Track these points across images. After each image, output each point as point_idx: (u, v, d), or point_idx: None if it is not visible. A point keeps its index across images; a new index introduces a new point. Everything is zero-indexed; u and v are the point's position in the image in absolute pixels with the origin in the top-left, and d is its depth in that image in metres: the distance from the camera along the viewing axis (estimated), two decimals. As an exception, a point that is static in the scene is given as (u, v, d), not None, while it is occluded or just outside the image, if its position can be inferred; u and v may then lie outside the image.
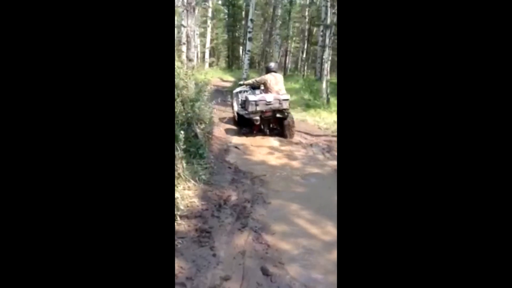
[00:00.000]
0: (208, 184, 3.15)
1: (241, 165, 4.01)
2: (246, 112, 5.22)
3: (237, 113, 5.71)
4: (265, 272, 1.97)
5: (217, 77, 13.69)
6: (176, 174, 2.83)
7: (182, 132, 3.31)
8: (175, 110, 3.72)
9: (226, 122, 6.10)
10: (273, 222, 2.63)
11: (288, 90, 10.93)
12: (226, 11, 23.28)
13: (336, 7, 8.61)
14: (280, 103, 5.05)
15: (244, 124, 5.56)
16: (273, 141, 5.27)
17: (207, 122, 4.45)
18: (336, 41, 9.45)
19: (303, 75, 17.09)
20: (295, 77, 15.70)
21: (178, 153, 3.12)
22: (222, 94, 7.94)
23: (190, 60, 4.43)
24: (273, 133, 5.47)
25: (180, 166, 2.98)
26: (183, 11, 5.14)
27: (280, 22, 17.20)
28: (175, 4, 5.74)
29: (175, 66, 4.03)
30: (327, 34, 9.00)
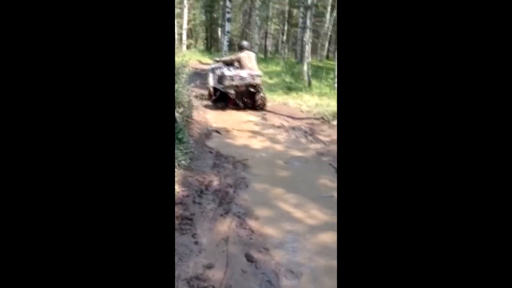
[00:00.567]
0: (189, 170, 3.04)
1: (222, 149, 3.90)
2: (223, 86, 5.70)
3: (214, 88, 6.12)
4: (249, 259, 1.91)
5: (195, 59, 13.31)
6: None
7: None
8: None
9: (202, 99, 6.32)
10: (256, 207, 2.57)
11: (269, 73, 10.78)
12: (203, -9, 22.51)
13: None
14: (253, 79, 5.64)
15: (220, 99, 5.98)
16: (255, 126, 5.18)
17: (186, 106, 4.29)
18: (316, 23, 9.31)
19: (284, 58, 16.92)
20: (275, 60, 15.52)
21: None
22: (201, 77, 7.73)
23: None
24: (246, 106, 5.91)
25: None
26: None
27: (260, 3, 16.82)
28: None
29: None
30: (308, 15, 8.84)
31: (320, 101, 6.67)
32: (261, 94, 5.86)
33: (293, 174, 3.37)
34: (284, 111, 6.19)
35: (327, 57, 18.17)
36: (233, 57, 6.15)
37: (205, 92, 6.55)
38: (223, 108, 5.85)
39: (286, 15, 19.11)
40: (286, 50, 19.23)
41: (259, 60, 14.70)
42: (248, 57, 5.89)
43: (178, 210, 2.27)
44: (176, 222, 2.14)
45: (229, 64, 6.04)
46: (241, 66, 5.83)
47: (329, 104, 6.29)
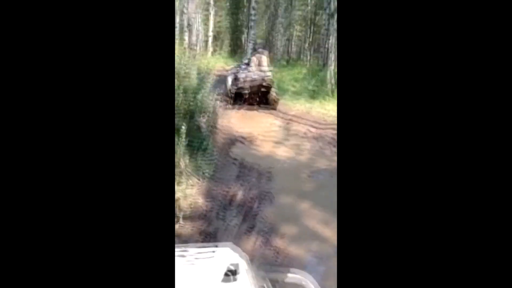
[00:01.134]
0: (213, 180, 2.99)
1: (247, 158, 3.84)
2: (236, 87, 6.09)
3: (230, 90, 6.37)
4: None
5: (220, 64, 13.40)
6: (178, 171, 2.66)
7: (184, 125, 3.12)
8: (177, 100, 3.53)
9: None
10: (282, 223, 2.48)
11: (292, 80, 10.65)
12: (228, -3, 22.69)
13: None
14: (263, 79, 6.04)
15: (237, 99, 6.27)
16: (279, 134, 5.10)
17: (211, 114, 4.26)
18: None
19: (307, 64, 16.76)
20: (298, 66, 15.39)
21: (180, 148, 2.95)
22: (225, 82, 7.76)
23: (191, 47, 4.20)
24: (259, 104, 6.26)
25: (183, 162, 2.81)
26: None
27: (283, 9, 16.78)
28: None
29: (176, 54, 3.81)
30: (332, 21, 8.70)
31: (345, 110, 6.47)
32: (273, 93, 6.24)
33: (318, 187, 3.26)
34: (308, 119, 6.07)
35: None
36: (246, 60, 6.74)
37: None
38: (240, 107, 6.09)
39: (309, 21, 18.97)
40: (309, 57, 19.10)
41: (282, 66, 14.65)
42: (261, 58, 6.35)
43: (201, 225, 2.22)
44: (199, 238, 2.08)
45: (243, 67, 6.49)
46: (253, 67, 6.23)
47: (355, 113, 6.09)
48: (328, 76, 8.62)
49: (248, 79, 6.06)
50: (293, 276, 1.47)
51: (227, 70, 7.52)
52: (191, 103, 3.66)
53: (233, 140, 4.46)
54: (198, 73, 4.42)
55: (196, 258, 1.23)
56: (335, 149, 4.45)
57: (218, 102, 4.74)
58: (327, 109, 6.88)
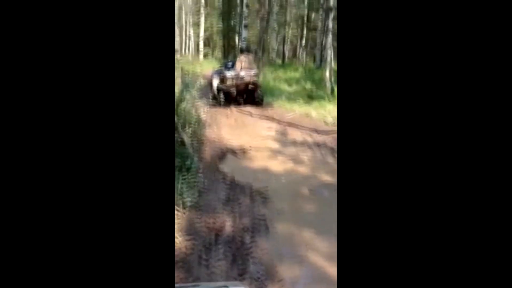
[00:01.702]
0: (196, 209, 2.51)
1: (238, 174, 3.36)
2: (225, 86, 6.49)
3: (217, 89, 6.74)
4: None
5: (211, 68, 12.95)
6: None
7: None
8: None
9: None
10: (280, 261, 2.00)
11: (288, 80, 10.24)
12: (219, -2, 22.36)
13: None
14: (250, 78, 6.49)
15: (223, 98, 6.62)
16: (274, 142, 4.62)
17: (197, 125, 3.79)
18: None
19: (303, 63, 16.31)
20: (293, 65, 14.93)
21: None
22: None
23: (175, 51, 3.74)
24: (246, 102, 6.67)
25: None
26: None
27: (277, 8, 16.34)
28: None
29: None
30: (330, 17, 8.24)
31: (346, 111, 6.03)
32: (259, 91, 6.69)
33: (322, 207, 2.78)
34: (306, 123, 5.61)
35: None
36: (234, 61, 7.12)
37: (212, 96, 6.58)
38: (226, 105, 6.38)
39: (305, 19, 18.53)
40: (305, 55, 18.64)
41: (277, 66, 14.21)
42: (247, 59, 6.76)
43: (178, 274, 1.74)
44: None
45: (229, 67, 6.80)
46: (240, 68, 6.59)
47: (357, 114, 5.65)
48: (327, 75, 8.17)
49: (236, 78, 6.46)
50: None
51: (211, 73, 7.64)
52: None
53: (223, 154, 3.98)
54: (183, 80, 3.96)
55: None
56: (338, 157, 3.97)
57: (205, 109, 4.27)
58: (327, 111, 6.40)
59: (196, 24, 19.66)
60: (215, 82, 6.82)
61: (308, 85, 8.89)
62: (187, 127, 3.45)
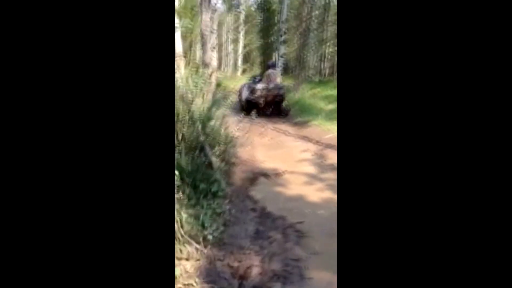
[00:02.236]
0: (219, 245, 2.16)
1: (270, 203, 2.99)
2: (254, 97, 7.13)
3: (246, 100, 7.37)
4: None
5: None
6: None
7: (187, 162, 2.36)
8: (181, 131, 2.80)
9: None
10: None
11: (325, 98, 9.83)
12: (259, 16, 22.63)
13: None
14: (279, 90, 7.19)
15: (251, 108, 6.79)
16: (311, 166, 4.21)
17: (228, 144, 3.49)
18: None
19: (342, 81, 15.73)
20: (332, 83, 14.45)
21: (178, 196, 2.17)
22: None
23: (206, 65, 3.51)
24: (272, 113, 7.27)
25: (178, 218, 2.01)
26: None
27: (316, 25, 16.06)
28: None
29: (182, 75, 3.11)
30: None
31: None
32: (285, 103, 7.49)
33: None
34: (347, 146, 5.13)
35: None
36: (262, 74, 8.01)
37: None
38: (254, 115, 6.61)
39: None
40: (344, 73, 18.04)
41: (314, 84, 13.81)
42: (274, 74, 7.60)
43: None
44: None
45: (258, 81, 7.62)
46: (268, 81, 7.37)
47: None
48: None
49: (265, 90, 7.11)
50: None
51: (240, 86, 8.26)
52: (200, 133, 2.91)
53: (254, 177, 3.63)
54: (214, 96, 3.71)
55: None
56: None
57: (237, 126, 3.98)
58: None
59: (236, 41, 19.92)
60: (245, 94, 7.48)
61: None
62: (216, 147, 3.16)
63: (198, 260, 1.93)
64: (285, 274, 1.97)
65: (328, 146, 5.10)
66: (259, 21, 22.69)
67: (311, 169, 4.06)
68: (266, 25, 21.56)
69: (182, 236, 1.96)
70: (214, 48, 12.34)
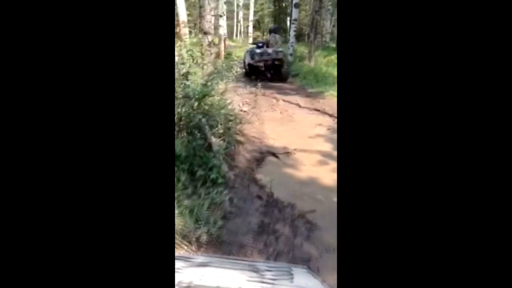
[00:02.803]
0: (216, 244, 1.87)
1: (278, 188, 2.67)
2: (254, 61, 7.31)
3: (248, 64, 7.57)
4: None
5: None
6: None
7: (181, 145, 2.04)
8: (177, 109, 2.46)
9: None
10: None
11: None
12: (271, -22, 21.40)
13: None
14: (277, 54, 7.27)
15: (253, 73, 7.44)
16: (326, 142, 3.83)
17: (230, 122, 3.13)
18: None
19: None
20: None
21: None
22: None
23: (205, 33, 3.08)
24: (273, 77, 7.48)
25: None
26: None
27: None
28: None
29: (181, 43, 2.72)
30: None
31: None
32: (285, 67, 7.50)
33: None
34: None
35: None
36: (264, 39, 8.34)
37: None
38: (256, 79, 6.78)
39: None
40: (363, 37, 17.00)
41: (331, 50, 13.02)
42: (275, 39, 7.84)
43: None
44: None
45: (260, 46, 7.69)
46: (268, 46, 7.63)
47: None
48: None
49: (263, 54, 7.28)
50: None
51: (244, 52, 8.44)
52: (196, 109, 2.56)
53: (261, 157, 3.29)
54: (216, 67, 3.31)
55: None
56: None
57: (243, 102, 3.60)
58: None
59: (247, 7, 19.00)
60: (247, 60, 7.66)
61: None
62: (218, 126, 2.81)
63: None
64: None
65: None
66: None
67: (326, 146, 3.68)
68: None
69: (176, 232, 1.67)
70: (222, 15, 11.67)
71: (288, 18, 18.86)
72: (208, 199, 2.17)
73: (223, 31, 11.09)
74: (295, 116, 4.86)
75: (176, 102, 2.42)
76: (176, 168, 2.24)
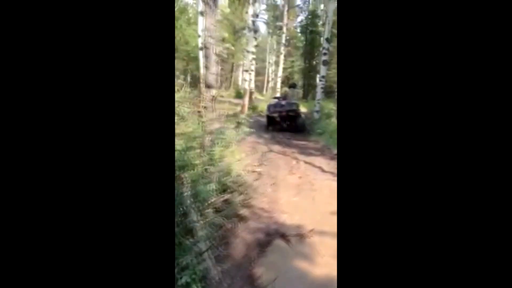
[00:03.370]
0: None
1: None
2: (269, 112, 8.05)
3: (267, 116, 8.25)
4: None
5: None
6: None
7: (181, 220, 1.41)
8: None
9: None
10: None
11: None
12: (303, 38, 22.09)
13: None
14: (290, 106, 7.92)
15: (270, 124, 8.19)
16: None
17: (242, 189, 2.50)
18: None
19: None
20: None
21: None
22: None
23: (208, 86, 2.63)
24: (290, 127, 8.03)
25: None
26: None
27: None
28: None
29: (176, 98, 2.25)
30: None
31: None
32: (299, 119, 8.06)
33: None
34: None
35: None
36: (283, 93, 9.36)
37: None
38: (273, 130, 7.94)
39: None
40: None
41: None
42: (292, 92, 8.72)
43: None
44: None
45: (281, 99, 8.50)
46: (285, 99, 8.41)
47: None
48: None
49: (278, 105, 8.03)
50: None
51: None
52: (182, 190, 1.97)
53: (267, 240, 2.58)
54: (221, 125, 2.79)
55: None
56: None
57: (256, 163, 3.00)
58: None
59: (277, 64, 19.48)
60: (266, 112, 8.35)
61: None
62: (205, 204, 2.18)
63: None
64: None
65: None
66: (302, 43, 22.11)
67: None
68: (309, 47, 20.91)
69: None
70: (250, 70, 11.73)
71: (317, 76, 18.93)
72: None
73: (248, 85, 11.03)
74: (316, 183, 4.15)
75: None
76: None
